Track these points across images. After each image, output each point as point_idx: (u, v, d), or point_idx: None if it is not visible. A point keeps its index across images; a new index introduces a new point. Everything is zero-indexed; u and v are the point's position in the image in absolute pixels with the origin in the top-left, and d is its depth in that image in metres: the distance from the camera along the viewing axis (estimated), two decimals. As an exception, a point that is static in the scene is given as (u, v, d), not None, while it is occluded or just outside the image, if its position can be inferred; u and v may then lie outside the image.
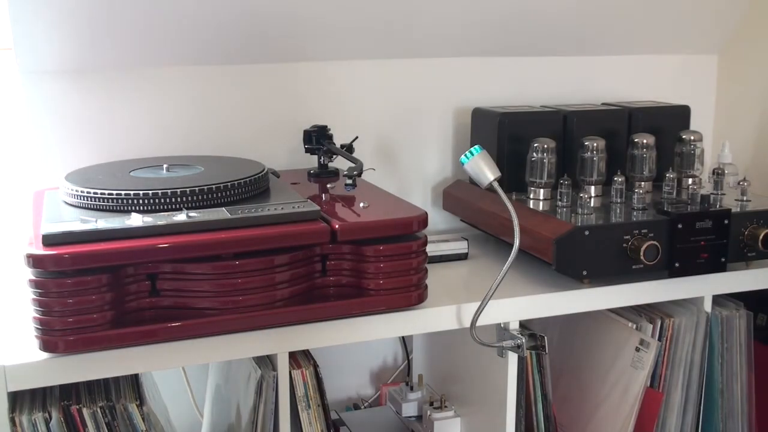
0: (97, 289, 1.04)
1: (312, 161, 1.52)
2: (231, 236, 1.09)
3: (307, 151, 1.49)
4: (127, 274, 1.08)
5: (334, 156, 1.46)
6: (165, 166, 1.30)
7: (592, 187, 1.47)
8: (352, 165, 1.33)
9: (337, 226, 1.15)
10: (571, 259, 1.29)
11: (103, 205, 1.15)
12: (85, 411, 1.10)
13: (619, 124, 1.59)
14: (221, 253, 1.10)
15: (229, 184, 1.19)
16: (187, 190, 1.16)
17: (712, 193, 1.47)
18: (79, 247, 1.03)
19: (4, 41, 1.36)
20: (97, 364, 1.07)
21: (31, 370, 1.05)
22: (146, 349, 1.09)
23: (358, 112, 1.63)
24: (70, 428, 1.10)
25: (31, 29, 1.33)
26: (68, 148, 1.44)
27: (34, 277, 1.03)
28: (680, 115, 1.64)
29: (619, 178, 1.43)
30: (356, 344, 1.62)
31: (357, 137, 1.50)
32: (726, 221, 1.36)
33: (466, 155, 1.28)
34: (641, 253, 1.29)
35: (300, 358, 1.23)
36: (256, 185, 1.24)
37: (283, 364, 1.18)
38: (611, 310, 1.43)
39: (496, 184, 1.26)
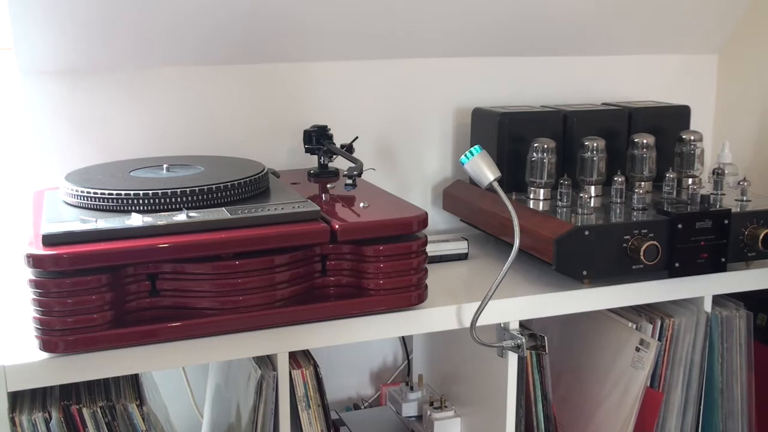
0: (97, 289, 1.04)
1: (312, 161, 1.52)
2: (231, 236, 1.09)
3: (307, 151, 1.49)
4: (127, 274, 1.08)
5: (334, 156, 1.46)
6: (165, 166, 1.30)
7: (592, 187, 1.47)
8: (352, 165, 1.33)
9: (337, 226, 1.15)
10: (571, 259, 1.29)
11: (103, 205, 1.15)
12: (85, 411, 1.10)
13: (619, 124, 1.59)
14: (221, 253, 1.10)
15: (229, 184, 1.19)
16: (187, 190, 1.16)
17: (712, 193, 1.47)
18: (79, 247, 1.03)
19: (4, 41, 1.36)
20: (97, 364, 1.07)
21: (31, 370, 1.05)
22: (146, 349, 1.09)
23: (358, 112, 1.63)
24: (70, 428, 1.10)
25: (31, 29, 1.33)
26: (68, 148, 1.44)
27: (34, 277, 1.03)
28: (680, 115, 1.64)
29: (619, 178, 1.42)
30: (356, 344, 1.62)
31: (357, 137, 1.50)
32: (726, 221, 1.36)
33: (466, 155, 1.28)
34: (641, 253, 1.29)
35: (300, 358, 1.23)
36: (256, 185, 1.24)
37: (283, 364, 1.18)
38: (611, 310, 1.43)
39: (496, 184, 1.26)
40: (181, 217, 1.10)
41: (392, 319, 1.21)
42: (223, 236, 1.09)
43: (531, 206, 1.43)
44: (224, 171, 1.27)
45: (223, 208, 1.15)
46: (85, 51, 1.40)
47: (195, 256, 1.09)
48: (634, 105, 1.64)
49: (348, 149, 1.47)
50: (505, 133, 1.52)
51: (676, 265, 1.34)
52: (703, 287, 1.40)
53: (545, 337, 1.30)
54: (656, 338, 1.38)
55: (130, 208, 1.14)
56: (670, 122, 1.61)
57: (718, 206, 1.40)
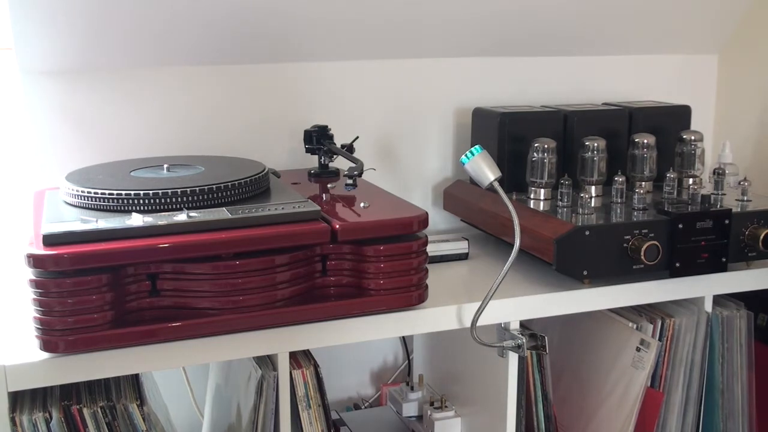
0: (98, 289, 1.04)
1: (312, 161, 1.52)
2: (231, 236, 1.09)
3: (307, 151, 1.49)
4: (128, 274, 1.08)
5: (335, 156, 1.46)
6: (165, 166, 1.30)
7: (593, 187, 1.47)
8: (353, 165, 1.33)
9: (337, 226, 1.15)
10: (572, 259, 1.29)
11: (103, 205, 1.15)
12: (85, 411, 1.10)
13: (619, 124, 1.59)
14: (222, 253, 1.10)
15: (229, 184, 1.19)
16: (188, 190, 1.16)
17: (712, 193, 1.47)
18: (79, 247, 1.03)
19: (4, 41, 1.36)
20: (97, 364, 1.07)
21: (32, 370, 1.05)
22: (146, 349, 1.09)
23: (358, 112, 1.63)
24: (71, 428, 1.10)
25: (31, 29, 1.33)
26: (68, 148, 1.44)
27: (34, 277, 1.03)
28: (681, 115, 1.64)
29: (619, 178, 1.42)
30: (356, 344, 1.62)
31: (357, 137, 1.50)
32: (726, 221, 1.36)
33: (466, 155, 1.28)
34: (642, 253, 1.29)
35: (300, 358, 1.23)
36: (256, 185, 1.24)
37: (283, 364, 1.18)
38: (612, 310, 1.43)
39: (496, 184, 1.26)
40: (181, 217, 1.10)
41: (392, 319, 1.21)
42: (224, 236, 1.09)
43: (531, 206, 1.43)
44: (225, 171, 1.27)
45: (224, 208, 1.15)
46: (85, 51, 1.40)
47: (195, 256, 1.09)
48: (635, 105, 1.64)
49: (348, 149, 1.47)
50: (505, 133, 1.52)
51: (677, 265, 1.33)
52: (704, 287, 1.40)
53: (546, 337, 1.30)
54: (657, 338, 1.38)
55: (130, 208, 1.14)
56: (670, 122, 1.61)
57: (718, 206, 1.40)
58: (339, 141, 1.48)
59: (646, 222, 1.32)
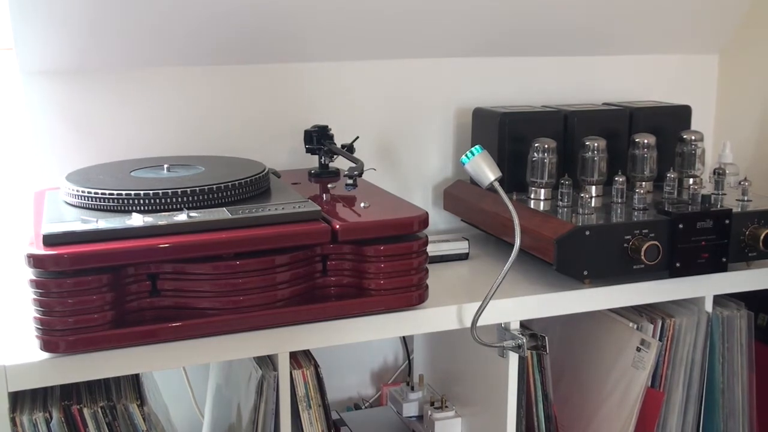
0: (98, 289, 1.04)
1: (313, 161, 1.52)
2: (232, 236, 1.09)
3: (307, 151, 1.48)
4: (128, 274, 1.08)
5: (335, 156, 1.46)
6: (165, 166, 1.30)
7: (593, 187, 1.47)
8: (353, 165, 1.33)
9: (337, 226, 1.15)
10: (572, 259, 1.29)
11: (103, 205, 1.15)
12: (85, 411, 1.10)
13: (620, 124, 1.59)
14: (222, 253, 1.10)
15: (229, 184, 1.19)
16: (188, 190, 1.16)
17: (713, 193, 1.47)
18: (79, 247, 1.03)
19: (4, 41, 1.36)
20: (97, 364, 1.07)
21: (32, 370, 1.05)
22: (147, 349, 1.08)
23: (358, 112, 1.63)
24: (71, 428, 1.10)
25: (31, 29, 1.33)
26: (68, 148, 1.44)
27: (34, 277, 1.03)
28: (681, 115, 1.64)
29: (620, 178, 1.42)
30: (357, 344, 1.62)
31: (358, 137, 1.50)
32: (727, 221, 1.36)
33: (466, 155, 1.28)
34: (642, 253, 1.29)
35: (301, 358, 1.23)
36: (256, 185, 1.24)
37: (283, 364, 1.18)
38: (612, 310, 1.43)
39: (496, 184, 1.26)
40: (181, 217, 1.10)
41: (393, 319, 1.21)
42: (224, 236, 1.09)
43: (532, 206, 1.43)
44: (225, 171, 1.27)
45: (224, 208, 1.15)
46: (85, 51, 1.40)
47: (195, 256, 1.09)
48: (635, 105, 1.64)
49: (349, 149, 1.47)
50: (505, 133, 1.52)
51: (677, 265, 1.33)
52: (704, 287, 1.40)
53: (546, 337, 1.30)
54: (657, 338, 1.38)
55: (130, 208, 1.14)
56: (670, 122, 1.61)
57: (719, 206, 1.40)
58: (339, 141, 1.48)
59: (646, 222, 1.32)
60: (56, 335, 1.04)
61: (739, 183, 1.47)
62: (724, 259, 1.36)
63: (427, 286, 1.23)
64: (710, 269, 1.36)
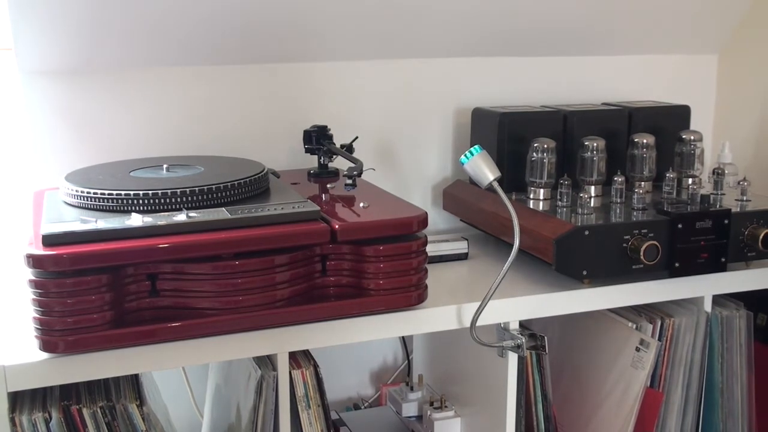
0: (97, 289, 1.04)
1: (312, 161, 1.52)
2: (231, 236, 1.09)
3: (307, 151, 1.49)
4: (127, 274, 1.08)
5: (334, 156, 1.46)
6: (165, 166, 1.30)
7: (592, 187, 1.47)
8: (352, 165, 1.33)
9: (337, 226, 1.15)
10: (571, 259, 1.29)
11: (103, 205, 1.15)
12: (85, 411, 1.10)
13: (619, 124, 1.59)
14: (221, 253, 1.10)
15: (229, 184, 1.19)
16: (187, 190, 1.16)
17: (712, 193, 1.47)
18: (79, 248, 1.03)
19: (4, 41, 1.36)
20: (97, 364, 1.07)
21: (31, 370, 1.05)
22: (146, 349, 1.09)
23: (358, 112, 1.63)
24: (71, 428, 1.10)
25: (31, 29, 1.33)
26: (68, 148, 1.44)
27: (34, 278, 1.03)
28: (680, 115, 1.64)
29: (619, 178, 1.42)
30: (356, 344, 1.62)
31: (357, 137, 1.50)
32: (726, 221, 1.36)
33: (466, 155, 1.28)
34: (641, 253, 1.29)
35: (300, 358, 1.23)
36: (256, 185, 1.24)
37: (283, 364, 1.18)
38: (611, 310, 1.43)
39: (496, 184, 1.26)
40: (181, 217, 1.10)
41: (392, 319, 1.21)
42: (223, 236, 1.09)
43: (531, 206, 1.43)
44: (224, 171, 1.27)
45: (223, 208, 1.15)
46: (85, 51, 1.40)
47: (195, 257, 1.09)
48: (634, 105, 1.64)
49: (348, 149, 1.47)
50: (505, 133, 1.52)
51: (676, 265, 1.34)
52: (703, 287, 1.40)
53: (545, 337, 1.30)
54: (656, 338, 1.38)
55: (130, 208, 1.14)
56: (670, 122, 1.61)
57: (718, 206, 1.40)
58: (338, 141, 1.48)
59: (645, 222, 1.32)
60: (55, 335, 1.04)
61: (738, 183, 1.47)
62: (723, 259, 1.36)
63: (426, 286, 1.23)
64: (709, 269, 1.36)
